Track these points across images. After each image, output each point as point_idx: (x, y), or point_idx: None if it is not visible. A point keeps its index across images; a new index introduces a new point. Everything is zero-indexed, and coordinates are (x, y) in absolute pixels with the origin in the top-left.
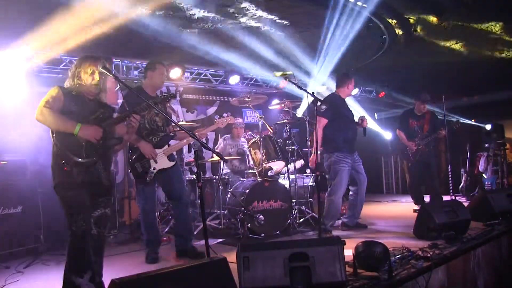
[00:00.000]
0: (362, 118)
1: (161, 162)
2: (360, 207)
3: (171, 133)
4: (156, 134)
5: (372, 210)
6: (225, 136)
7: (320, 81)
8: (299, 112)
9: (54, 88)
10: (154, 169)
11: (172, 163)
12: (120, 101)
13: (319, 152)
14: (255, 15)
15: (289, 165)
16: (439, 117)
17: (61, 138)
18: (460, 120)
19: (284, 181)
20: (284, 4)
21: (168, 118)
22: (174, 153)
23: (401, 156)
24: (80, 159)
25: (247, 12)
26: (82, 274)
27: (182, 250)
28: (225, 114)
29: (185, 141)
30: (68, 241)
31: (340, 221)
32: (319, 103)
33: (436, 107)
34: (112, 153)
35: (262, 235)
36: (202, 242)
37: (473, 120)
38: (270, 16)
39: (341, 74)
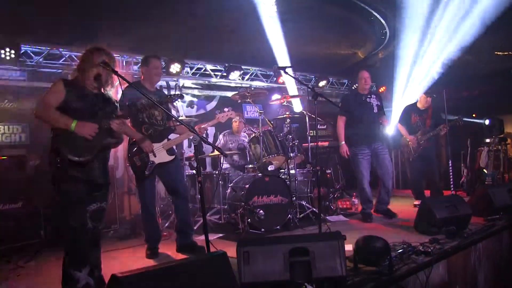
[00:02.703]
0: (382, 120)
1: (160, 156)
2: (384, 194)
3: (172, 127)
4: (155, 128)
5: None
6: (224, 132)
7: None
8: (295, 107)
9: (57, 81)
10: (153, 163)
11: (172, 157)
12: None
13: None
14: None
15: (289, 160)
16: (441, 114)
17: (58, 134)
18: (461, 116)
19: (284, 176)
20: None
21: (168, 112)
22: (174, 147)
23: (402, 150)
24: (75, 158)
25: None
26: (81, 268)
27: (183, 245)
28: (225, 109)
29: (185, 135)
30: (66, 235)
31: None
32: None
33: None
34: (109, 152)
35: (262, 230)
36: (202, 237)
37: (473, 115)
38: None
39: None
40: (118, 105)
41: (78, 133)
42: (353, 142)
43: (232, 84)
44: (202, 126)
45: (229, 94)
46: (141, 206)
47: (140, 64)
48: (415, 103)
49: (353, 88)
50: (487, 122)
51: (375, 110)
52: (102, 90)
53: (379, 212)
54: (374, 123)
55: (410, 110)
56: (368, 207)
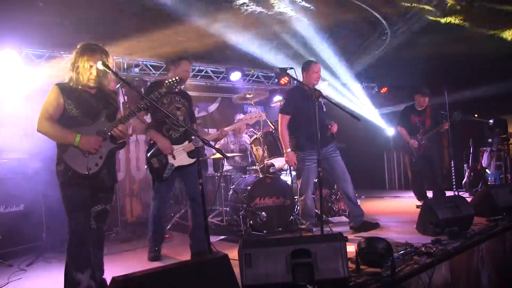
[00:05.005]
0: (331, 124)
1: (180, 158)
2: (352, 206)
3: (195, 129)
4: (176, 129)
5: (375, 206)
6: None
7: None
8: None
9: (53, 89)
10: (172, 165)
11: (192, 160)
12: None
13: (288, 150)
14: None
15: None
16: (440, 111)
17: (64, 149)
18: (460, 112)
19: (286, 178)
20: None
21: (167, 115)
22: None
23: (404, 151)
24: (84, 172)
25: None
26: (83, 270)
27: (197, 253)
28: (251, 110)
29: (208, 136)
30: (68, 237)
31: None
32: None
33: (438, 101)
34: (115, 157)
35: (264, 231)
36: None
37: (475, 116)
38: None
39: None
40: (120, 100)
41: (82, 149)
42: (300, 146)
43: (234, 86)
44: (225, 129)
45: (231, 96)
46: (154, 206)
47: (168, 62)
48: (413, 104)
49: (296, 85)
50: (490, 122)
51: (324, 109)
52: (100, 85)
53: (357, 229)
54: (325, 124)
55: (409, 111)
56: (307, 221)
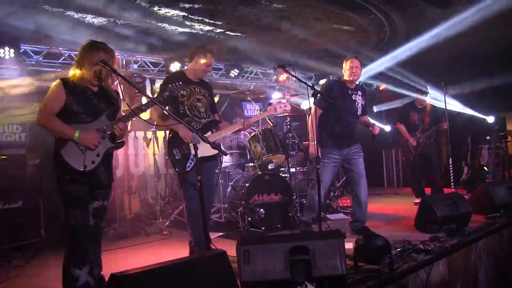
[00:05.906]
0: (372, 127)
1: (203, 149)
2: (357, 209)
3: (218, 120)
4: (197, 121)
5: (373, 203)
6: None
7: None
8: (304, 105)
9: (56, 84)
10: (194, 156)
11: (215, 152)
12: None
13: (314, 143)
14: None
15: (289, 158)
16: (439, 107)
17: (62, 145)
18: (461, 112)
19: (284, 174)
20: None
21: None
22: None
23: (402, 149)
24: (80, 169)
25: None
26: (81, 266)
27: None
28: (274, 101)
29: (230, 128)
30: (66, 233)
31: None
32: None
33: (437, 95)
34: (112, 156)
35: (263, 228)
36: None
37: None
38: None
39: None
40: (121, 100)
41: (81, 144)
42: (322, 142)
43: (232, 82)
44: (250, 120)
45: (230, 92)
46: (186, 205)
47: (193, 51)
48: (414, 102)
49: (337, 79)
50: (491, 119)
51: (359, 111)
52: (103, 84)
53: (355, 232)
54: (354, 126)
55: (409, 109)
56: (309, 215)
